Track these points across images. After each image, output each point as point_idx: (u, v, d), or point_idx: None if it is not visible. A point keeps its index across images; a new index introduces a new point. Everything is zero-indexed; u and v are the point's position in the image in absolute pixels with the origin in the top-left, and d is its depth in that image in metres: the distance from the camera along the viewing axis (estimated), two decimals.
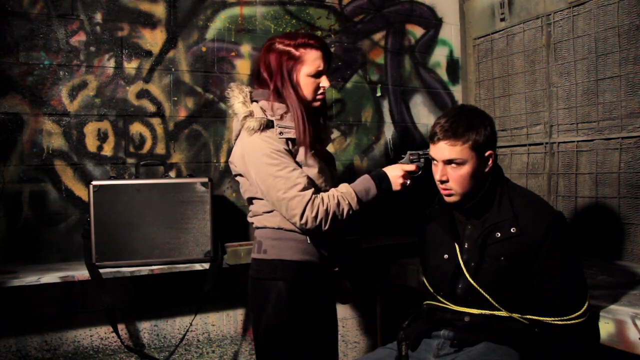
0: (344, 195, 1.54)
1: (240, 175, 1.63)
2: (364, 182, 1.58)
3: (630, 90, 2.14)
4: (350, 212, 1.53)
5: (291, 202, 1.48)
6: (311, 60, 1.58)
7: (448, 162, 1.44)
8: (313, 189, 1.52)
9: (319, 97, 1.63)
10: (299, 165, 1.57)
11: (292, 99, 1.57)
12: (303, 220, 1.48)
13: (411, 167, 1.63)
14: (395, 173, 1.61)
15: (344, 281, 1.83)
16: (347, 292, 1.86)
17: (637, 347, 1.38)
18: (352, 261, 1.75)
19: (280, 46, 1.58)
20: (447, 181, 1.45)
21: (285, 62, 1.57)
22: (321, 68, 1.59)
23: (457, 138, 1.41)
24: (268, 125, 1.54)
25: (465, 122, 1.42)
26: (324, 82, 1.62)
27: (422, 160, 1.66)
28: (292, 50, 1.57)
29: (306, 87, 1.60)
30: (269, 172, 1.50)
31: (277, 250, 1.58)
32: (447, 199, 1.50)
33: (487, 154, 1.45)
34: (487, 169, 1.47)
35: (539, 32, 2.55)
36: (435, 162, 1.49)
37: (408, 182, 1.62)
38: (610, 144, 2.22)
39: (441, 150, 1.44)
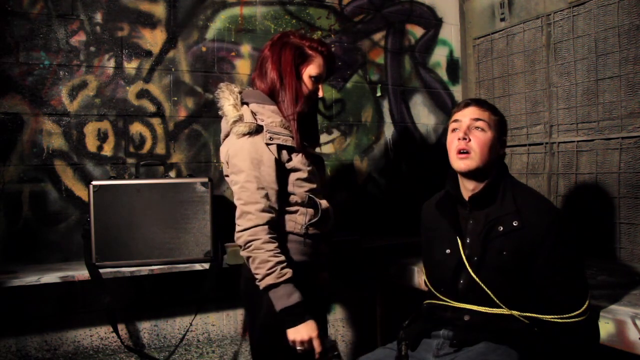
0: (272, 267, 1.46)
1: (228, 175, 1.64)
2: (291, 289, 1.47)
3: (630, 90, 2.14)
4: (257, 275, 1.47)
5: (246, 215, 1.49)
6: (318, 64, 1.64)
7: (475, 119, 1.50)
8: (273, 214, 1.51)
9: (313, 99, 1.69)
10: (292, 170, 1.58)
11: (291, 94, 1.60)
12: (238, 235, 1.51)
13: (318, 347, 1.47)
14: (307, 329, 1.47)
15: (322, 272, 1.80)
16: (325, 284, 1.83)
17: (637, 347, 1.38)
18: (330, 253, 1.74)
19: (295, 41, 1.64)
20: (468, 140, 1.48)
21: (297, 57, 1.62)
22: (323, 74, 1.67)
23: (485, 108, 1.53)
24: (258, 130, 1.55)
25: (490, 104, 1.56)
26: (321, 89, 1.68)
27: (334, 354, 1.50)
28: (306, 48, 1.64)
29: (306, 86, 1.66)
30: (240, 179, 1.52)
31: None
32: (461, 163, 1.49)
33: (503, 137, 1.55)
34: (500, 153, 1.54)
35: (539, 32, 2.55)
36: (456, 128, 1.53)
37: (300, 347, 1.46)
38: (610, 144, 2.22)
39: (470, 111, 1.52)
